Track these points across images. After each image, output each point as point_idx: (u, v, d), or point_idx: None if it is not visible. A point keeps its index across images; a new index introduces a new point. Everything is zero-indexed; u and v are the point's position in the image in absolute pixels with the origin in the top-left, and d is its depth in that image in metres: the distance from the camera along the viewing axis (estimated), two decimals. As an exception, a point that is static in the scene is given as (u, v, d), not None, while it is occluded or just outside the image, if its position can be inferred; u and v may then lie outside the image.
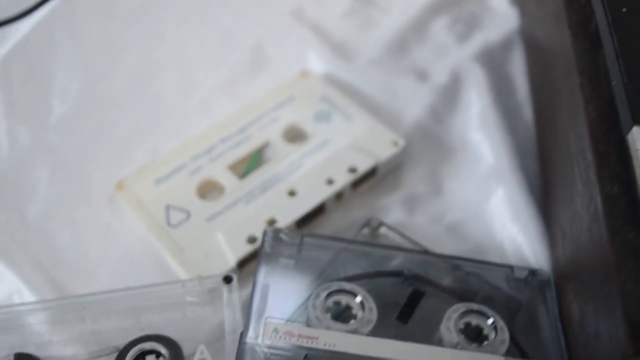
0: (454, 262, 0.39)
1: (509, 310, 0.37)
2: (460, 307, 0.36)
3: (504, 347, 0.35)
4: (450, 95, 0.49)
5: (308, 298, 0.36)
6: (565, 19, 0.39)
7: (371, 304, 0.36)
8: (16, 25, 0.55)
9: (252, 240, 0.40)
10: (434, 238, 0.42)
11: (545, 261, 0.40)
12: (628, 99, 0.32)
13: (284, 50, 0.53)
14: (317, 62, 0.52)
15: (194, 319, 0.37)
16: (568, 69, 0.37)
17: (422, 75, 0.51)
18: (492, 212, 0.43)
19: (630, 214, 0.30)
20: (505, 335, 0.35)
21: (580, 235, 0.34)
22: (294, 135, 0.47)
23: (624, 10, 0.35)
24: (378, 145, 0.45)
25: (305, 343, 0.34)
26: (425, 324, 0.36)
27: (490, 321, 0.36)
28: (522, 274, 0.38)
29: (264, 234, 0.39)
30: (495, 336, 0.35)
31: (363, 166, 0.44)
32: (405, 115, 0.48)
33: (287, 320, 0.35)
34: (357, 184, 0.44)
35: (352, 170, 0.43)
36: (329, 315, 0.35)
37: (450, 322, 0.36)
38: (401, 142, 0.45)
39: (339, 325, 0.35)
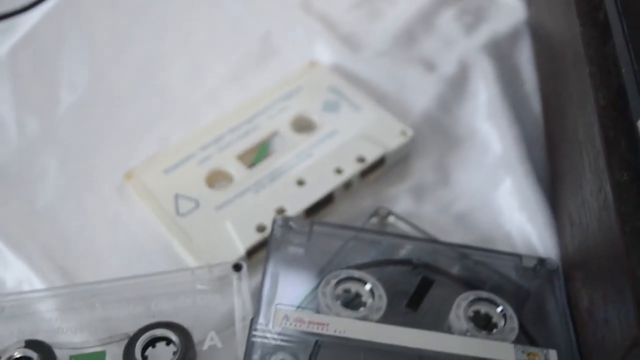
0: (462, 251, 0.39)
1: (518, 299, 0.37)
2: (470, 295, 0.36)
3: (513, 335, 0.35)
4: (458, 85, 0.49)
5: (317, 286, 0.36)
6: (574, 7, 0.39)
7: (381, 291, 0.36)
8: (25, 16, 0.55)
9: (261, 229, 0.40)
10: (442, 227, 0.42)
11: (553, 250, 0.40)
12: (638, 86, 0.32)
13: (292, 40, 0.53)
14: (325, 53, 0.52)
15: (203, 306, 0.37)
16: (577, 57, 0.37)
17: (429, 66, 0.51)
18: (500, 201, 0.43)
19: (640, 200, 0.30)
20: (515, 323, 0.35)
21: (589, 223, 0.34)
22: (302, 125, 0.47)
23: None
24: (386, 135, 0.45)
25: (315, 329, 0.34)
26: (435, 311, 0.36)
27: (499, 309, 0.36)
28: (531, 263, 0.38)
29: (274, 221, 0.39)
30: (505, 324, 0.35)
31: (371, 156, 0.44)
32: (413, 105, 0.48)
33: (298, 307, 0.35)
34: (365, 173, 0.44)
35: (361, 159, 0.44)
36: (338, 302, 0.35)
37: (460, 309, 0.36)
38: (409, 132, 0.45)
39: (349, 312, 0.35)
